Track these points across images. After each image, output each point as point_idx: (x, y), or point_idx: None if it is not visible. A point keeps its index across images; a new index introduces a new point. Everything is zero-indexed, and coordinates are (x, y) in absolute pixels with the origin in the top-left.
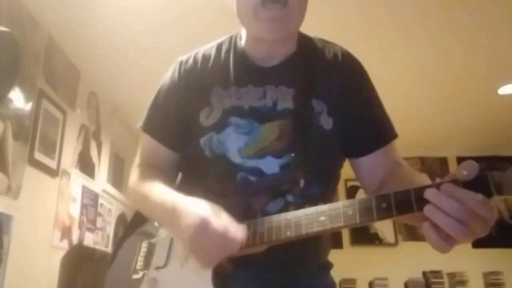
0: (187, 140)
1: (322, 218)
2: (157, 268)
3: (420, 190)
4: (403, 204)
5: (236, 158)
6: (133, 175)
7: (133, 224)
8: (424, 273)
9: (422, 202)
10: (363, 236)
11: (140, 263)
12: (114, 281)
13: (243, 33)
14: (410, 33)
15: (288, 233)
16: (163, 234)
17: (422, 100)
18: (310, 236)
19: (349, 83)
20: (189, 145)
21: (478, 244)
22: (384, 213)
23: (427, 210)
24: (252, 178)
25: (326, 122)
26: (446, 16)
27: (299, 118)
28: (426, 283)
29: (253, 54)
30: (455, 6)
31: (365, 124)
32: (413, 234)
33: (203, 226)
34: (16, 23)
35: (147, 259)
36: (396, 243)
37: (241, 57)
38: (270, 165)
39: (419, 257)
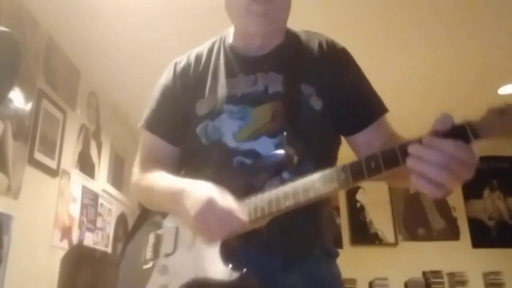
0: (185, 132)
1: (318, 184)
2: (166, 255)
3: (405, 145)
4: (390, 160)
5: (231, 142)
6: (135, 172)
7: (140, 219)
8: (424, 273)
9: (407, 155)
10: (363, 236)
11: (149, 254)
12: (126, 275)
13: (231, 30)
14: (410, 33)
15: (287, 203)
16: (169, 224)
17: (421, 100)
18: (309, 203)
19: (336, 66)
20: (187, 136)
21: (478, 244)
22: (374, 171)
23: (410, 161)
24: (248, 161)
25: (316, 103)
26: (446, 16)
27: (289, 100)
28: (426, 283)
29: (242, 47)
30: (453, 7)
31: (354, 102)
32: (413, 234)
33: (209, 204)
34: (16, 23)
35: (156, 248)
36: (396, 243)
37: (231, 51)
38: (265, 145)
39: (419, 257)
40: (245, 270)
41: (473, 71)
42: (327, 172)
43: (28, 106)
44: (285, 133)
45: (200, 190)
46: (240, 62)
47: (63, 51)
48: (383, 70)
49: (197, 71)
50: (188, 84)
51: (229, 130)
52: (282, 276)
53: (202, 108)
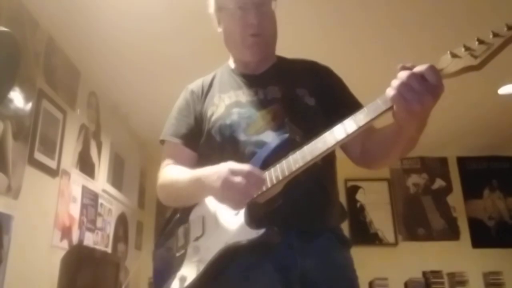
0: (201, 137)
1: (319, 144)
2: (196, 238)
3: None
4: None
5: (242, 136)
6: (160, 176)
7: (167, 223)
8: (424, 273)
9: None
10: (363, 236)
11: (180, 242)
12: (162, 267)
13: (230, 61)
14: (408, 33)
15: (297, 165)
16: (194, 217)
17: None
18: (316, 160)
19: (321, 74)
20: (203, 139)
21: (478, 244)
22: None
23: (392, 82)
24: (258, 150)
25: (310, 100)
26: (445, 16)
27: (287, 100)
28: (426, 283)
29: (242, 70)
30: (453, 6)
31: (340, 101)
32: (413, 234)
33: (231, 171)
34: (16, 23)
35: (186, 237)
36: (396, 243)
37: (233, 73)
38: (270, 137)
39: (419, 257)
40: (269, 227)
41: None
42: (326, 133)
43: (28, 106)
44: (286, 119)
45: (219, 167)
46: (243, 79)
47: (63, 51)
48: (383, 70)
49: (204, 89)
50: (200, 100)
51: (239, 127)
52: (300, 255)
53: (214, 114)
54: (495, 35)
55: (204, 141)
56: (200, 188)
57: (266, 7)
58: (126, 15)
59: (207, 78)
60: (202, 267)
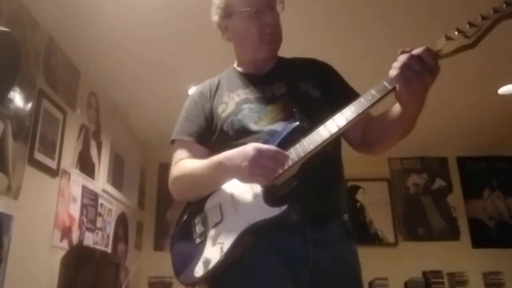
0: (213, 131)
1: (331, 126)
2: (216, 225)
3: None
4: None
5: (254, 127)
6: (172, 171)
7: (181, 217)
8: (424, 273)
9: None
10: (363, 236)
11: (199, 230)
12: (181, 256)
13: (235, 64)
14: (408, 32)
15: (312, 146)
16: (209, 206)
17: None
18: (330, 140)
19: (321, 69)
20: (215, 135)
21: (478, 244)
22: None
23: (394, 64)
24: (270, 138)
25: (315, 93)
26: (446, 16)
27: (294, 93)
28: (426, 283)
29: (249, 71)
30: (453, 7)
31: (341, 92)
32: (413, 234)
33: (257, 150)
34: (16, 23)
35: (204, 224)
36: (396, 243)
37: (241, 73)
38: (282, 127)
39: (419, 257)
40: (289, 204)
41: (473, 71)
42: (336, 115)
43: (28, 106)
44: (294, 109)
45: (243, 147)
46: (250, 79)
47: (63, 51)
48: (383, 67)
49: (212, 89)
50: (209, 100)
51: (251, 120)
52: (312, 246)
53: (224, 111)
54: (484, 18)
55: (217, 137)
56: (224, 171)
57: (276, 8)
58: (126, 16)
59: (214, 80)
60: (226, 248)
